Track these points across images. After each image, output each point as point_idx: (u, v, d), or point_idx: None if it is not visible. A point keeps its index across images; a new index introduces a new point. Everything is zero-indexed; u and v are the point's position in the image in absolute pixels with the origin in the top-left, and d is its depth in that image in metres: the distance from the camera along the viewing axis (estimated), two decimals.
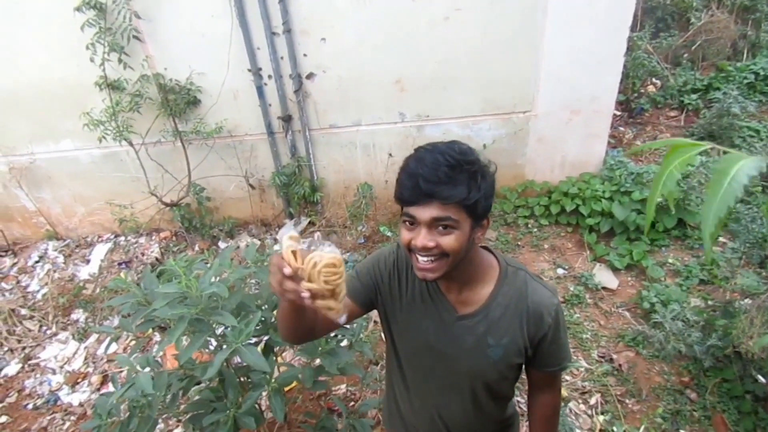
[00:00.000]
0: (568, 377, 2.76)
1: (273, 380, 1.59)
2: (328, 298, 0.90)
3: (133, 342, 3.33)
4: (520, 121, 3.80)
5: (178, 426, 2.69)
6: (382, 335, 2.96)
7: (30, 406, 3.07)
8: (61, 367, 3.31)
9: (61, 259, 4.28)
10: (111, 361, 3.31)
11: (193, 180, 3.93)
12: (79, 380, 3.20)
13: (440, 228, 0.99)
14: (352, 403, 2.75)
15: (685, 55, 5.62)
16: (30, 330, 3.61)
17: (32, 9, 3.42)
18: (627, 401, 2.62)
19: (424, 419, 1.33)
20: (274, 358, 1.78)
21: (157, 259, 4.10)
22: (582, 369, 2.82)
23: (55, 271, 4.13)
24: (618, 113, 5.08)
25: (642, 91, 5.30)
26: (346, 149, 4.00)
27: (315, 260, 0.87)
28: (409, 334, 1.23)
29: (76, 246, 4.42)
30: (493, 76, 3.61)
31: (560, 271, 3.54)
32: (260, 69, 3.63)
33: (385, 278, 1.22)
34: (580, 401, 2.64)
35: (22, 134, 3.96)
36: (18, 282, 4.09)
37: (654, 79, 5.47)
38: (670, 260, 3.45)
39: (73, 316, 3.69)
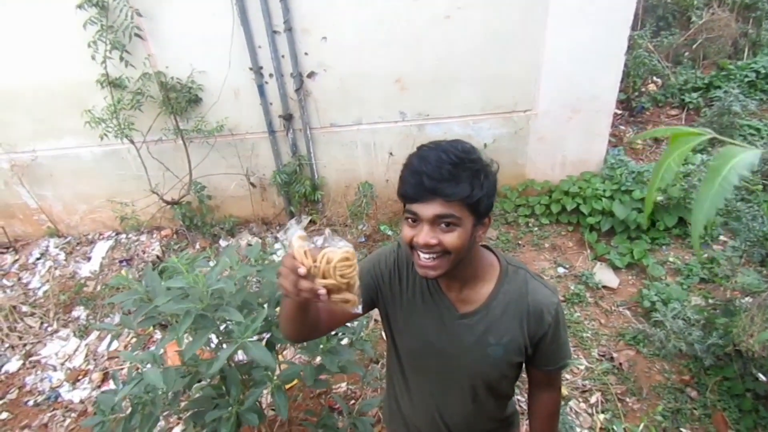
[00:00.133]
0: (568, 376, 2.77)
1: (275, 377, 1.60)
2: (344, 291, 0.90)
3: (134, 339, 3.34)
4: (520, 120, 3.80)
5: (178, 424, 2.70)
6: (383, 334, 2.96)
7: (31, 403, 3.07)
8: (62, 364, 3.32)
9: (62, 256, 4.29)
10: (112, 359, 3.31)
11: (194, 178, 3.93)
12: (79, 377, 3.21)
13: (443, 225, 1.00)
14: (353, 401, 2.75)
15: (686, 54, 5.61)
16: (31, 327, 3.62)
17: (34, 6, 3.42)
18: (627, 400, 2.62)
19: (425, 417, 1.34)
20: (276, 355, 1.79)
21: (158, 257, 4.10)
22: (582, 367, 2.82)
23: (56, 269, 4.14)
24: (619, 112, 5.08)
25: (643, 89, 5.30)
26: (347, 148, 4.00)
27: (329, 256, 0.87)
28: (410, 333, 1.24)
29: (77, 243, 4.43)
30: (493, 75, 3.61)
31: (561, 270, 3.54)
32: (261, 67, 3.63)
33: (386, 277, 1.23)
34: (580, 400, 2.65)
35: (24, 131, 3.96)
36: (19, 279, 4.10)
37: (655, 78, 5.47)
38: (671, 259, 3.45)
39: (74, 314, 3.70)
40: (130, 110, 3.56)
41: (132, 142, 3.69)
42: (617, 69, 3.59)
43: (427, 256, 1.02)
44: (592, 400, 2.64)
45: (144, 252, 4.18)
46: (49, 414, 2.98)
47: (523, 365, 1.27)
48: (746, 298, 2.66)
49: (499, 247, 3.76)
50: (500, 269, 1.18)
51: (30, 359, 3.38)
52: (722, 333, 2.49)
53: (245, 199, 4.23)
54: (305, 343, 1.69)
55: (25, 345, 3.48)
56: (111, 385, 3.04)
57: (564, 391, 2.64)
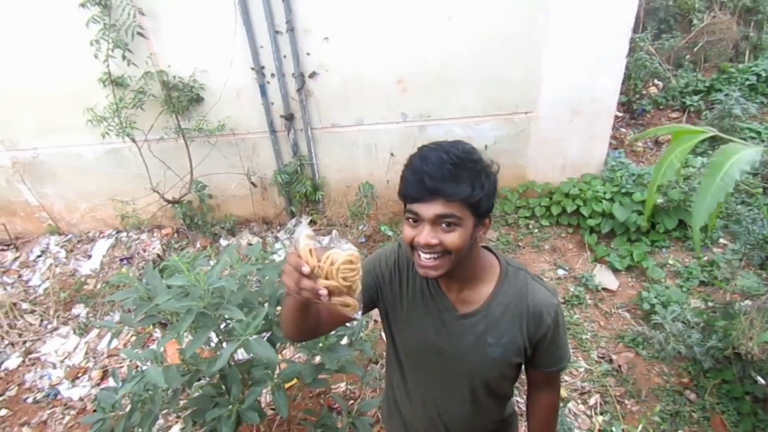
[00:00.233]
0: (567, 377, 2.77)
1: (275, 376, 1.60)
2: (345, 294, 0.90)
3: (134, 338, 3.34)
4: (521, 121, 3.80)
5: (177, 422, 2.70)
6: (383, 334, 2.97)
7: (30, 400, 3.08)
8: (62, 362, 3.32)
9: (62, 254, 4.29)
10: (111, 356, 3.32)
11: (195, 177, 3.94)
12: (79, 375, 3.21)
13: (443, 225, 1.00)
14: (352, 401, 2.76)
15: (687, 57, 5.61)
16: (31, 324, 3.63)
17: (37, 5, 3.43)
18: (626, 402, 2.62)
19: (423, 418, 1.34)
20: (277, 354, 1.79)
21: (158, 255, 4.11)
22: (581, 369, 2.82)
23: (56, 266, 4.15)
24: (619, 114, 5.09)
25: (644, 92, 5.30)
26: (348, 148, 4.01)
27: (333, 257, 0.87)
28: (410, 333, 1.24)
29: (77, 241, 4.44)
30: (495, 77, 3.61)
31: (561, 271, 3.54)
32: (263, 67, 3.63)
33: (386, 277, 1.23)
34: (579, 401, 2.65)
35: (26, 129, 3.97)
36: (20, 276, 4.11)
37: (656, 81, 5.47)
38: (671, 261, 3.46)
39: (74, 311, 3.71)
40: (131, 109, 3.57)
41: (133, 140, 3.69)
42: (618, 71, 3.59)
43: (427, 256, 1.02)
44: (591, 401, 2.64)
45: (144, 250, 4.18)
46: (48, 411, 2.98)
47: (522, 366, 1.28)
48: (746, 301, 2.66)
49: (500, 248, 3.77)
50: (500, 270, 1.19)
51: (30, 356, 3.39)
52: (721, 336, 2.49)
53: (246, 199, 4.24)
54: (305, 342, 1.69)
55: (25, 342, 3.48)
56: (110, 382, 3.05)
57: (563, 392, 2.64)
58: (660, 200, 3.53)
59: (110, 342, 3.36)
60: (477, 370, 1.21)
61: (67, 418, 2.93)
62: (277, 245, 3.98)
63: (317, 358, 1.75)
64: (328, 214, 4.16)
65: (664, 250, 3.58)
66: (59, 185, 4.27)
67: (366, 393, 2.77)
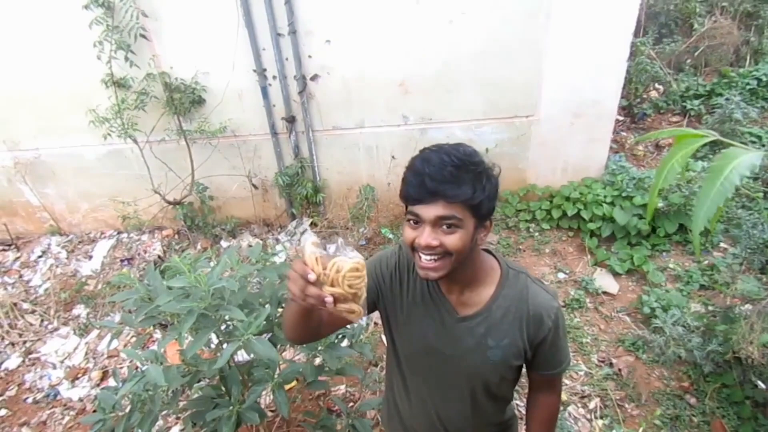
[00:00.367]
0: (567, 381, 2.77)
1: (276, 376, 1.60)
2: (350, 301, 0.91)
3: (134, 339, 3.35)
4: (522, 125, 3.81)
5: (177, 423, 2.70)
6: (383, 336, 2.97)
7: (30, 400, 3.08)
8: (62, 362, 3.32)
9: (63, 254, 4.30)
10: (111, 357, 3.32)
11: (196, 179, 3.94)
12: (79, 375, 3.21)
13: (444, 227, 1.00)
14: (352, 403, 2.75)
15: (688, 61, 5.63)
16: (31, 324, 3.63)
17: (41, 6, 3.44)
18: (626, 406, 2.62)
19: (423, 420, 1.34)
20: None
21: (159, 256, 4.11)
22: (582, 373, 2.82)
23: (57, 267, 4.15)
24: (620, 118, 5.10)
25: (644, 96, 5.31)
26: (349, 151, 4.01)
27: (339, 265, 0.88)
28: (410, 335, 1.24)
29: (78, 242, 4.44)
30: (496, 80, 3.62)
31: (561, 275, 3.54)
32: (265, 69, 3.64)
33: (387, 280, 1.23)
34: (579, 405, 2.65)
35: (28, 129, 3.99)
36: (20, 276, 4.11)
37: (657, 85, 5.48)
38: (671, 265, 3.46)
39: (75, 312, 3.71)
40: (133, 110, 3.58)
41: (135, 141, 3.70)
42: (619, 75, 3.60)
43: (428, 257, 1.03)
44: (591, 405, 2.64)
45: (145, 251, 4.19)
46: (48, 411, 2.98)
47: (523, 369, 1.28)
48: (746, 306, 2.66)
49: (500, 251, 3.77)
50: (501, 273, 1.19)
51: (30, 357, 3.39)
52: (722, 340, 2.49)
53: (247, 201, 4.24)
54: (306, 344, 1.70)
55: (25, 342, 3.48)
56: (110, 383, 3.05)
57: (563, 396, 2.64)
58: (661, 204, 3.53)
59: (110, 342, 3.37)
60: (477, 373, 1.21)
61: (67, 418, 2.93)
62: (278, 247, 3.98)
63: (317, 361, 1.75)
64: (329, 216, 4.16)
65: (664, 253, 3.58)
66: (61, 186, 4.28)
67: (366, 395, 2.77)
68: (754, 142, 4.45)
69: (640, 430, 2.35)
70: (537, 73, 3.58)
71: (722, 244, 3.57)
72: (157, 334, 3.29)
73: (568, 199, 3.88)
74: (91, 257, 4.22)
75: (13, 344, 3.48)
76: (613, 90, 3.64)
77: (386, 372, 1.46)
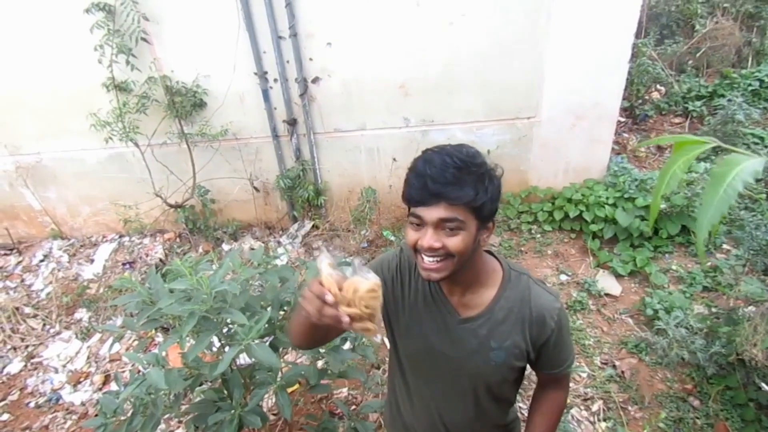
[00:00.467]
0: (570, 383, 2.76)
1: (278, 378, 1.60)
2: (365, 320, 0.92)
3: (136, 342, 3.34)
4: (524, 126, 3.81)
5: (179, 427, 2.70)
6: (385, 339, 2.96)
7: (32, 405, 3.08)
8: (64, 366, 3.32)
9: (65, 258, 4.30)
10: (113, 361, 3.32)
11: (197, 182, 3.95)
12: (81, 379, 3.21)
13: (447, 229, 1.00)
14: (354, 406, 2.75)
15: (690, 62, 5.62)
16: (33, 328, 3.63)
17: (42, 10, 3.45)
18: (629, 408, 2.61)
19: (426, 422, 1.33)
20: (280, 358, 1.79)
21: (161, 260, 4.11)
22: (584, 375, 2.81)
23: (59, 270, 4.15)
24: (622, 120, 5.09)
25: (646, 97, 5.30)
26: (351, 153, 4.01)
27: (356, 286, 0.90)
28: (412, 337, 1.24)
29: (80, 245, 4.44)
30: (497, 82, 3.62)
31: (563, 277, 3.53)
32: (266, 72, 3.65)
33: (388, 282, 1.23)
34: (582, 408, 2.64)
35: (29, 133, 3.99)
36: (22, 280, 4.12)
37: (658, 86, 5.48)
38: (674, 267, 3.45)
39: (77, 316, 3.71)
40: (135, 113, 3.58)
41: (137, 145, 3.71)
42: (621, 76, 3.60)
43: (430, 259, 1.03)
44: (594, 408, 2.63)
45: (147, 255, 4.19)
46: (50, 416, 2.98)
47: (525, 371, 1.27)
48: (749, 307, 2.65)
49: (502, 253, 3.76)
50: (503, 274, 1.19)
51: (32, 361, 3.39)
52: (725, 342, 2.48)
53: (248, 203, 4.24)
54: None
55: (27, 347, 3.48)
56: (112, 387, 3.05)
57: None
58: (663, 206, 3.52)
59: (112, 346, 3.34)
60: (479, 374, 1.21)
61: (69, 422, 2.93)
62: (280, 250, 3.98)
63: (319, 364, 1.74)
64: (331, 218, 4.16)
65: (667, 255, 3.57)
66: (62, 189, 4.29)
67: (368, 398, 2.76)
68: (756, 144, 4.44)
69: None
70: (538, 75, 3.58)
71: (725, 246, 3.56)
72: (159, 338, 3.29)
73: (570, 200, 3.88)
74: (92, 261, 4.23)
75: (15, 348, 3.48)
76: (614, 91, 3.64)
77: (388, 374, 1.45)
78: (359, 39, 3.52)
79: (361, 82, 3.68)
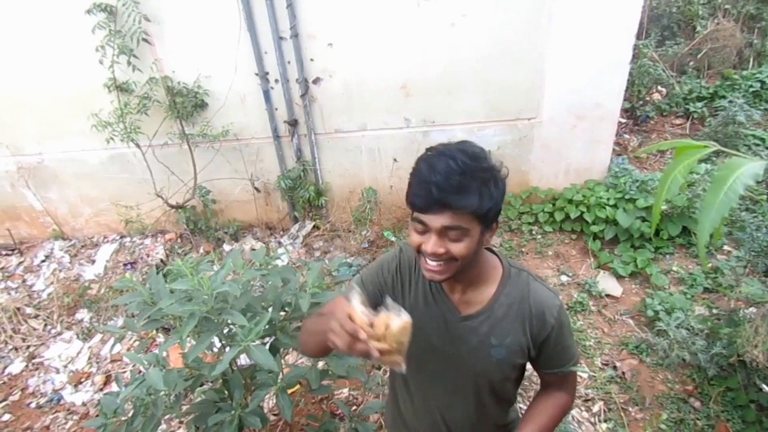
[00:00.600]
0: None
1: (279, 380, 1.60)
2: (394, 354, 0.95)
3: (137, 342, 3.35)
4: (524, 127, 3.81)
5: (180, 427, 2.70)
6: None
7: (33, 405, 3.08)
8: (65, 367, 3.32)
9: (66, 258, 4.31)
10: (115, 362, 3.32)
11: (199, 182, 3.95)
12: (82, 380, 3.22)
13: (451, 235, 1.00)
14: (355, 407, 2.75)
15: (691, 63, 5.62)
16: (35, 329, 3.64)
17: (43, 10, 3.46)
18: (630, 409, 2.61)
19: (427, 422, 1.34)
20: (280, 359, 1.79)
21: (162, 260, 4.12)
22: (585, 376, 2.81)
23: (60, 271, 4.16)
24: (623, 121, 5.09)
25: (647, 98, 5.30)
26: (352, 154, 4.02)
27: (389, 323, 0.93)
28: (413, 336, 1.24)
29: (81, 246, 4.45)
30: (498, 82, 3.62)
31: (564, 278, 3.53)
32: (267, 73, 3.65)
33: (389, 283, 1.24)
34: (583, 409, 2.64)
35: (31, 134, 4.00)
36: (24, 281, 4.12)
37: (659, 87, 5.47)
38: (675, 268, 3.44)
39: (78, 316, 3.71)
40: (136, 114, 3.59)
41: (138, 145, 3.71)
42: (622, 77, 3.59)
43: (434, 262, 1.03)
44: (595, 409, 2.62)
45: (148, 255, 4.19)
46: (51, 416, 2.99)
47: (526, 370, 1.27)
48: (750, 308, 2.65)
49: (503, 254, 3.76)
50: (503, 271, 1.19)
51: (33, 361, 3.39)
52: (726, 343, 2.48)
53: (249, 204, 4.25)
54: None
55: (28, 347, 3.49)
56: (113, 387, 3.05)
57: None
58: (664, 207, 3.52)
59: (113, 347, 3.35)
60: (480, 372, 1.21)
61: (70, 423, 2.93)
62: (280, 250, 3.98)
63: (320, 363, 1.74)
64: (332, 219, 4.16)
65: (667, 256, 3.57)
66: (63, 190, 4.29)
67: (369, 399, 2.76)
68: (757, 145, 4.44)
69: None
70: (539, 76, 3.58)
71: (726, 247, 3.56)
72: (160, 338, 3.29)
73: (570, 201, 3.88)
74: (94, 261, 4.23)
75: (16, 349, 3.48)
76: (615, 92, 3.64)
77: (389, 374, 1.46)
78: (360, 39, 3.52)
79: (362, 82, 3.68)
